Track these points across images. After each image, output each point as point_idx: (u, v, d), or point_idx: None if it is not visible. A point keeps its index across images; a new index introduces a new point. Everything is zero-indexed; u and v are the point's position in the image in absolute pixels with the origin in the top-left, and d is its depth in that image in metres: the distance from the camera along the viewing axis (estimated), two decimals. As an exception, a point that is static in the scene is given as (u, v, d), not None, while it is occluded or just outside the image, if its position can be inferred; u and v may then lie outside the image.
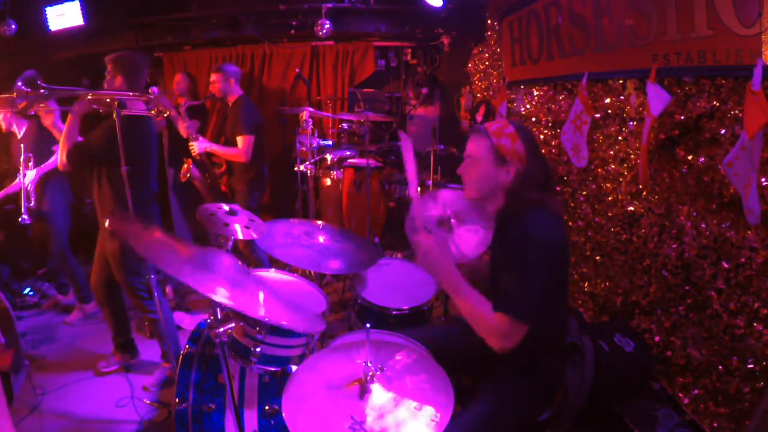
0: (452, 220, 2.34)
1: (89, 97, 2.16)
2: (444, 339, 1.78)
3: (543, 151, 3.09)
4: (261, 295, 1.31)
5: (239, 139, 3.31)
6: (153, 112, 2.28)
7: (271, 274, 2.27)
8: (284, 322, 1.31)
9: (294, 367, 1.65)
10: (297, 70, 4.31)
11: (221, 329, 1.27)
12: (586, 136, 2.47)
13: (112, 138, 2.13)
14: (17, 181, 3.19)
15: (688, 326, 1.98)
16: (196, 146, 3.35)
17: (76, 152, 2.30)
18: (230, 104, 3.44)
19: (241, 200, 3.37)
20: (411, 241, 1.56)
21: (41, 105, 2.29)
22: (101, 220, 2.48)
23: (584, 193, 2.69)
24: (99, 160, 2.36)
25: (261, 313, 1.22)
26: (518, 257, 1.41)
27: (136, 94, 2.26)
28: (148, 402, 2.53)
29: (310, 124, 3.47)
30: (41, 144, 3.14)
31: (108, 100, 2.11)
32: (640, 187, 2.21)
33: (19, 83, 1.95)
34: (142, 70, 2.44)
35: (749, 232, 1.69)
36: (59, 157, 2.32)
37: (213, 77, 3.39)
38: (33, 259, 3.66)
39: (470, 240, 2.29)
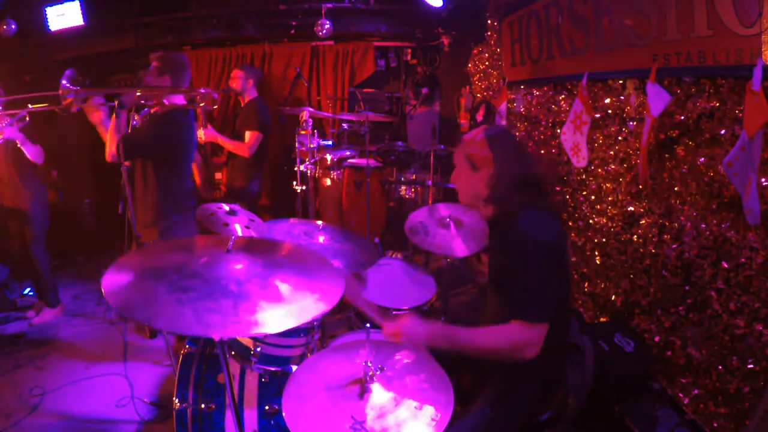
0: (451, 222, 2.34)
1: (138, 93, 2.27)
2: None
3: (542, 151, 3.09)
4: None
5: (248, 134, 3.35)
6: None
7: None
8: (318, 308, 1.21)
9: (294, 367, 1.65)
10: (297, 70, 4.32)
11: (221, 329, 1.26)
12: (586, 136, 2.47)
13: (160, 132, 2.31)
14: None
15: (688, 326, 1.98)
16: (203, 133, 3.39)
17: (125, 144, 2.29)
18: (243, 103, 3.50)
19: (237, 196, 3.39)
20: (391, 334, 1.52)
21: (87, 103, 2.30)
22: (139, 215, 2.49)
23: (584, 193, 2.69)
24: (148, 153, 2.42)
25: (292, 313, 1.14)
26: (516, 258, 1.42)
27: (182, 89, 2.43)
28: (148, 402, 2.53)
29: (310, 124, 3.48)
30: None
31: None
32: (640, 187, 2.21)
33: (64, 81, 2.01)
34: (186, 69, 2.53)
35: (749, 232, 1.69)
36: (107, 149, 2.32)
37: (235, 73, 3.50)
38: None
39: (474, 237, 2.29)
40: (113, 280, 1.13)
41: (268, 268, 1.23)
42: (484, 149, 1.53)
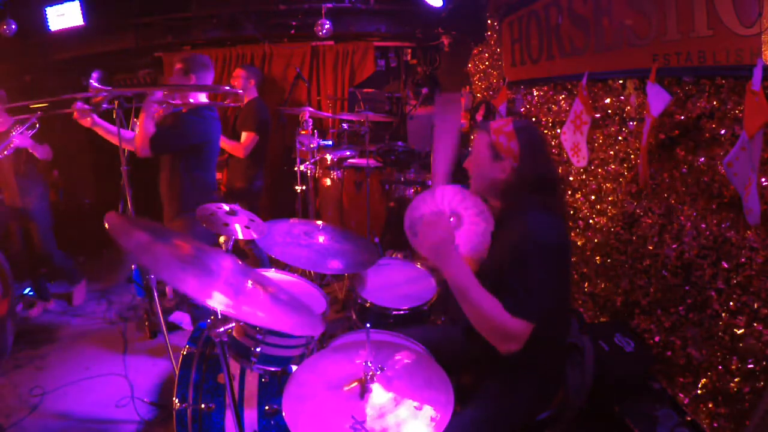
0: (451, 219, 2.33)
1: (165, 91, 2.43)
2: (444, 339, 1.78)
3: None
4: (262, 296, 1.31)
5: (244, 134, 3.36)
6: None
7: (271, 274, 2.26)
8: (284, 328, 1.30)
9: (294, 367, 1.65)
10: (297, 70, 4.32)
11: (221, 329, 1.27)
12: (586, 136, 2.47)
13: (191, 128, 2.47)
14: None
15: (688, 326, 1.98)
16: None
17: (157, 141, 2.42)
18: (243, 103, 3.52)
19: (237, 196, 3.41)
20: (418, 231, 1.48)
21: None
22: (165, 209, 2.67)
23: (584, 193, 2.69)
24: (178, 148, 2.54)
25: (261, 316, 1.21)
26: (519, 257, 1.41)
27: (209, 87, 2.61)
28: (148, 402, 2.53)
29: (310, 124, 3.48)
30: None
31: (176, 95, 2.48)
32: (640, 187, 2.21)
33: (95, 83, 2.10)
34: (210, 69, 2.67)
35: (749, 232, 1.69)
36: (138, 146, 2.42)
37: (237, 72, 3.55)
38: (30, 260, 3.65)
39: (469, 240, 2.28)
40: (117, 222, 1.22)
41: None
42: (512, 140, 1.50)
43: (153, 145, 2.41)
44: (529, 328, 1.34)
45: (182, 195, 2.57)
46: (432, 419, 1.15)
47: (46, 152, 3.22)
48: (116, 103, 2.19)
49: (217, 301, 1.12)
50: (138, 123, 2.42)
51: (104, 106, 2.30)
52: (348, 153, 4.10)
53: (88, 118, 2.44)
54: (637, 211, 2.27)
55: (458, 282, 1.38)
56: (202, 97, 2.61)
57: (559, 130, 2.77)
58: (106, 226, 1.17)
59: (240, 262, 1.41)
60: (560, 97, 2.88)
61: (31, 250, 3.41)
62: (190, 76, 2.56)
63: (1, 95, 3.14)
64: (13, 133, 2.92)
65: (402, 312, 2.12)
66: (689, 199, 1.97)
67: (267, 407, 1.68)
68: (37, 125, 2.96)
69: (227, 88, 2.48)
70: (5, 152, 2.91)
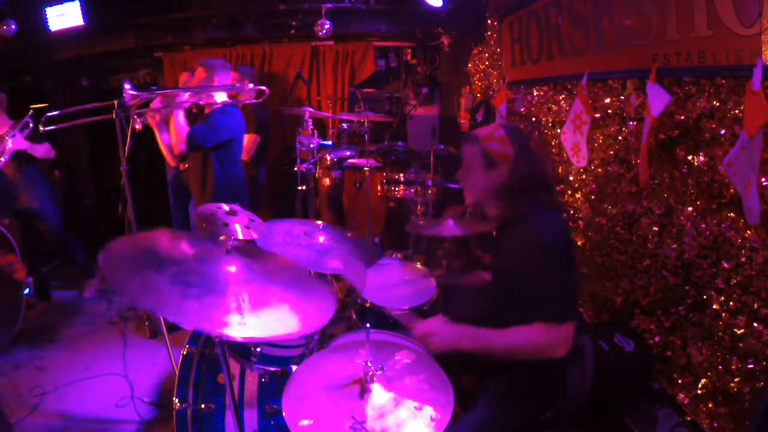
0: (450, 221, 2.34)
1: (187, 95, 2.62)
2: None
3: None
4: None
5: (245, 137, 3.35)
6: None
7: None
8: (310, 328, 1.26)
9: (294, 367, 1.65)
10: (297, 70, 4.32)
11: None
12: (586, 136, 2.47)
13: (225, 124, 2.67)
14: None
15: (688, 326, 1.98)
16: None
17: (195, 140, 2.61)
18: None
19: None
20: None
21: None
22: (197, 199, 2.87)
23: (584, 193, 2.69)
24: (213, 146, 2.71)
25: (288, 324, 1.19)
26: (524, 258, 1.42)
27: (235, 86, 2.83)
28: (148, 402, 2.53)
29: (310, 124, 3.48)
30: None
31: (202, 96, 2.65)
32: (640, 187, 2.21)
33: (130, 90, 2.17)
34: (228, 69, 2.87)
35: (749, 232, 1.69)
36: (174, 146, 2.63)
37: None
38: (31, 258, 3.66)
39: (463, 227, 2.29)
40: (111, 261, 1.18)
41: (261, 277, 1.28)
42: (506, 145, 1.50)
43: (189, 143, 2.60)
44: (556, 327, 1.36)
45: (215, 185, 2.74)
46: (432, 419, 1.15)
47: (46, 150, 3.22)
48: (116, 103, 2.20)
49: (233, 329, 1.07)
50: (170, 124, 2.58)
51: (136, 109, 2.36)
52: (348, 153, 4.10)
53: (157, 117, 2.58)
54: (637, 211, 2.27)
55: (476, 343, 1.43)
56: (224, 96, 2.78)
57: (559, 130, 2.77)
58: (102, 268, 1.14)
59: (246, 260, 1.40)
60: (560, 97, 2.88)
61: (33, 248, 3.42)
62: (213, 79, 2.71)
63: (1, 98, 3.14)
64: (7, 137, 2.91)
65: (404, 312, 2.12)
66: (689, 199, 1.96)
67: (267, 407, 1.68)
68: (31, 125, 2.96)
69: (251, 85, 2.60)
70: (2, 158, 2.91)
